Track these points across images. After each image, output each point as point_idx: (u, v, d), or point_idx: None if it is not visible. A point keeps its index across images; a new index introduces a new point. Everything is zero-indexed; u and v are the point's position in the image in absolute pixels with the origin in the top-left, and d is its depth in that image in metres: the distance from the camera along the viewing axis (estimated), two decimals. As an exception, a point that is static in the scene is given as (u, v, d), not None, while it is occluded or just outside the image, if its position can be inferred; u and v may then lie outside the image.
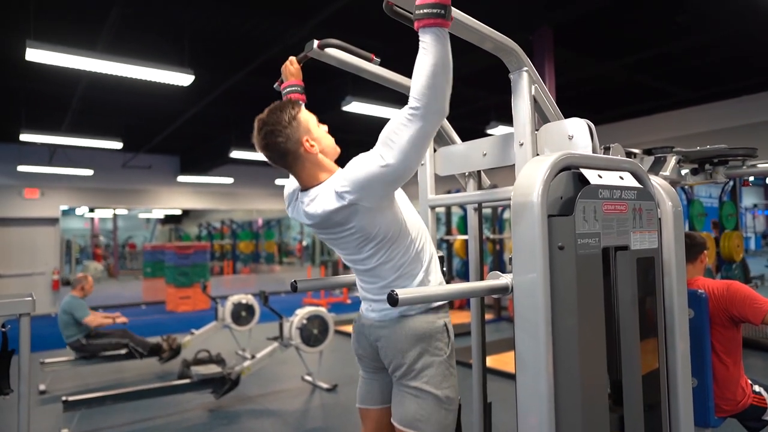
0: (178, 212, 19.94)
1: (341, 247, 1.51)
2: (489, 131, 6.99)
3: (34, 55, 3.48)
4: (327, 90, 5.66)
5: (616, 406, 1.31)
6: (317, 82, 5.64)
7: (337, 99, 5.40)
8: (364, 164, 1.33)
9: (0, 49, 4.62)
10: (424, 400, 1.43)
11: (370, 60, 1.72)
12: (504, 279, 1.35)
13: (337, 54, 1.70)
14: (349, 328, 4.46)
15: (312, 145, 1.45)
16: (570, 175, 1.32)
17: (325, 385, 4.33)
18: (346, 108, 5.38)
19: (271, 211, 16.50)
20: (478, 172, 1.84)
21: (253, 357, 4.32)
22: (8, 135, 7.75)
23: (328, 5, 3.67)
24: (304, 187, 1.49)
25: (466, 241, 8.68)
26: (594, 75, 5.98)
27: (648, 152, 2.14)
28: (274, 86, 1.89)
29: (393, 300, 1.17)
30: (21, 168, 8.77)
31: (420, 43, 1.26)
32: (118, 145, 7.16)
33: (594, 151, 1.44)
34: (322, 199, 1.41)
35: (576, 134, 1.47)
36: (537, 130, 1.57)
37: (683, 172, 2.35)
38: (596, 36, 4.91)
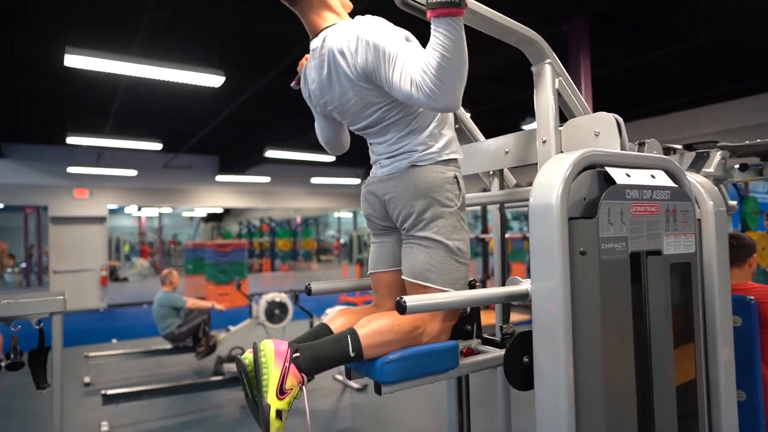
0: (220, 211, 20.48)
1: (346, 111, 1.45)
2: (525, 128, 6.81)
3: (73, 60, 3.61)
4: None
5: (647, 420, 1.22)
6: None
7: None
8: (390, 41, 1.26)
9: (42, 57, 4.84)
10: (434, 249, 1.36)
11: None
12: (524, 285, 1.27)
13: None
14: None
15: None
16: (595, 174, 1.23)
17: (355, 385, 4.31)
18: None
19: (308, 209, 16.69)
20: (501, 170, 1.76)
21: (284, 355, 4.35)
22: (57, 138, 8.12)
23: (358, 2, 3.62)
24: (313, 31, 1.44)
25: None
26: (631, 67, 5.70)
27: (689, 148, 2.00)
28: (291, 85, 1.86)
29: (401, 307, 1.12)
30: (70, 169, 9.18)
31: (431, 33, 1.19)
32: (158, 146, 7.38)
33: (623, 147, 1.33)
34: (333, 40, 1.35)
35: (603, 130, 1.37)
36: (561, 126, 1.47)
37: (730, 167, 2.18)
38: (633, 26, 4.66)
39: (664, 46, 5.10)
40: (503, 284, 1.79)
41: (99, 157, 9.41)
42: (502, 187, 1.77)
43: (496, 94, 6.62)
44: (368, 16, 1.34)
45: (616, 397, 1.15)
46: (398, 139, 1.41)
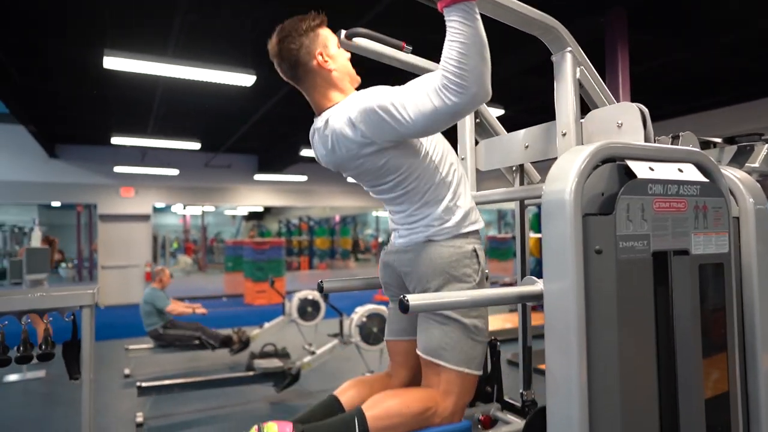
0: (260, 209, 20.91)
1: (363, 179, 1.43)
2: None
3: (111, 62, 3.74)
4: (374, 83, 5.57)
5: (671, 434, 1.13)
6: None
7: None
8: (384, 100, 1.21)
9: (82, 60, 5.05)
10: (450, 327, 1.32)
11: (400, 48, 1.62)
12: (539, 285, 1.19)
13: (366, 44, 1.61)
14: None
15: (326, 60, 1.36)
16: (615, 168, 1.15)
17: None
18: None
19: (346, 207, 16.80)
20: (521, 166, 1.68)
21: (313, 353, 4.37)
22: (103, 139, 8.47)
23: (373, 7, 3.60)
24: (318, 111, 1.42)
25: (539, 240, 8.29)
26: (675, 60, 5.40)
27: (730, 141, 1.85)
28: None
29: (403, 306, 1.07)
30: (117, 169, 9.57)
31: (447, 25, 1.14)
32: (196, 145, 7.59)
33: (647, 140, 1.24)
34: (335, 120, 1.33)
35: (626, 121, 1.28)
36: (583, 118, 1.39)
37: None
38: (677, 16, 4.41)
39: (713, 36, 4.81)
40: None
41: (143, 156, 9.76)
42: (522, 182, 1.69)
43: (536, 90, 6.42)
44: (367, 89, 1.31)
45: (636, 409, 1.06)
46: (414, 211, 1.38)
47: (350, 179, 1.51)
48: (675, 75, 5.96)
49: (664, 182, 1.14)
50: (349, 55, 1.46)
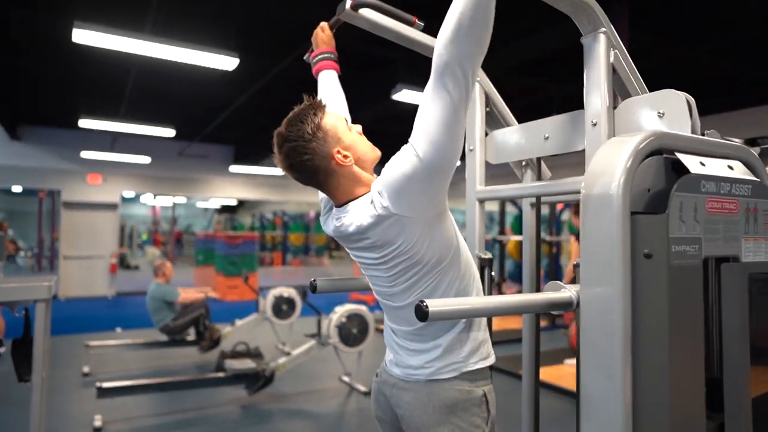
0: (234, 202, 20.44)
1: (372, 274, 1.25)
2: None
3: (81, 36, 3.46)
4: (375, 78, 5.42)
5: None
6: (364, 69, 5.41)
7: (387, 87, 5.15)
8: (398, 162, 1.07)
9: (50, 33, 4.72)
10: None
11: (411, 24, 1.46)
12: (567, 292, 1.05)
13: (374, 16, 1.45)
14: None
15: (346, 156, 1.18)
16: (660, 161, 1.01)
17: (363, 388, 4.12)
18: (397, 97, 5.13)
19: (321, 204, 16.52)
20: (538, 159, 1.54)
21: (288, 354, 4.18)
22: (70, 121, 8.04)
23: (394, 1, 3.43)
24: (339, 204, 1.23)
25: (519, 243, 8.26)
26: (676, 61, 5.37)
27: (751, 142, 1.75)
28: (304, 57, 1.67)
29: (422, 312, 0.92)
30: (84, 154, 9.12)
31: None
32: (171, 132, 7.26)
33: (694, 132, 1.11)
34: (358, 212, 1.15)
35: (668, 110, 1.15)
36: (615, 107, 1.26)
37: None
38: (679, 15, 4.37)
39: (715, 37, 4.76)
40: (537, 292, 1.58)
41: (113, 142, 9.33)
42: (538, 177, 1.55)
43: (526, 88, 6.35)
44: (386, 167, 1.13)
45: (683, 435, 0.93)
46: (421, 330, 1.20)
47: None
48: (678, 75, 5.92)
49: (717, 180, 1.01)
50: (360, 127, 1.26)
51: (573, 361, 4.95)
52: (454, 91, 0.99)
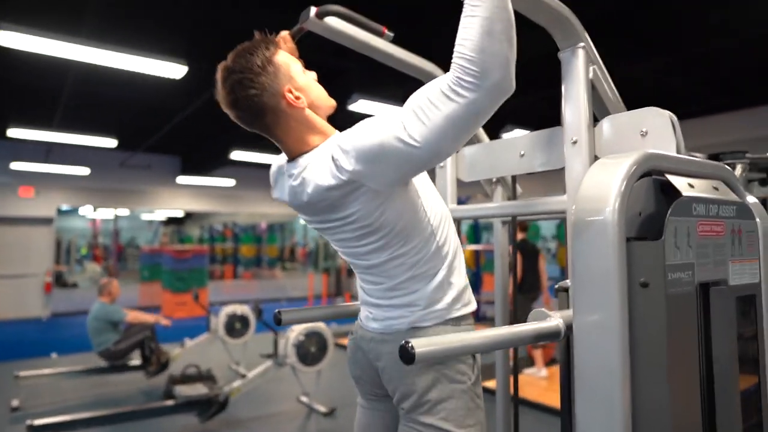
0: (181, 214, 19.67)
1: (337, 238, 1.15)
2: (504, 135, 6.63)
3: (8, 39, 3.16)
4: (330, 89, 5.31)
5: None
6: (318, 80, 5.29)
7: (342, 98, 5.06)
8: (377, 130, 0.96)
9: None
10: None
11: (381, 34, 1.38)
12: (553, 320, 0.99)
13: (340, 26, 1.35)
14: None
15: (297, 97, 1.08)
16: (650, 183, 0.97)
17: (322, 409, 3.96)
18: (353, 108, 5.05)
19: (274, 214, 16.18)
20: (513, 177, 1.49)
21: (243, 376, 3.97)
22: (-2, 131, 7.47)
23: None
24: (291, 156, 1.13)
25: (474, 252, 8.34)
26: (621, 78, 5.59)
27: (714, 158, 1.78)
28: None
29: (407, 355, 0.83)
30: (14, 165, 8.47)
31: (466, 0, 0.90)
32: (112, 143, 6.86)
33: (678, 151, 1.08)
34: (314, 169, 1.04)
35: (652, 129, 1.11)
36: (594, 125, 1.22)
37: (750, 182, 1.99)
38: (625, 35, 4.54)
39: (655, 56, 4.98)
40: (512, 315, 1.52)
41: (48, 153, 8.73)
42: (514, 196, 1.49)
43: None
44: (355, 126, 1.03)
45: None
46: (397, 285, 1.11)
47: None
48: (628, 90, 6.15)
49: (707, 202, 0.98)
50: (315, 75, 1.17)
51: (532, 370, 4.99)
52: (490, 98, 0.90)
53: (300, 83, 1.10)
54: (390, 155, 0.94)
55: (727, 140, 6.25)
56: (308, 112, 1.10)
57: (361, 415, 1.26)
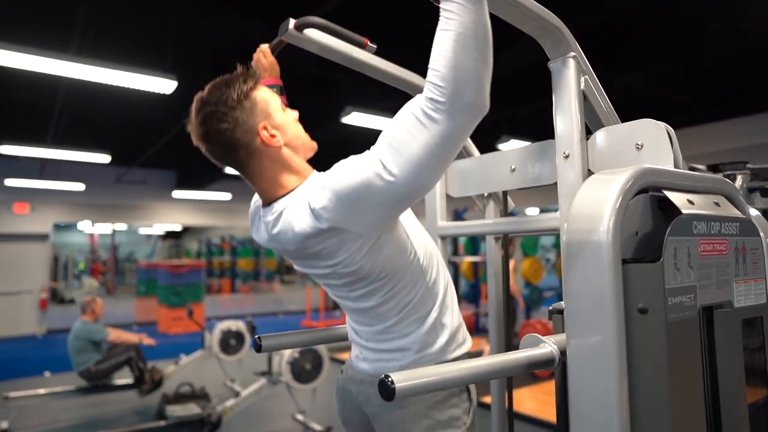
0: (178, 228, 19.59)
1: (325, 283, 1.09)
2: (500, 147, 6.58)
3: (-1, 57, 3.13)
4: (323, 102, 5.29)
5: None
6: (311, 92, 5.27)
7: (336, 111, 5.02)
8: (354, 170, 0.90)
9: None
10: None
11: (363, 46, 1.33)
12: (547, 346, 0.92)
13: (321, 38, 1.30)
14: (347, 356, 4.05)
15: (273, 135, 1.01)
16: (647, 200, 0.91)
17: (318, 427, 3.86)
18: (346, 120, 5.01)
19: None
20: (504, 193, 1.43)
21: (238, 394, 3.88)
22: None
23: (325, 4, 3.32)
24: (266, 201, 1.06)
25: (473, 263, 8.27)
26: (616, 88, 5.58)
27: (714, 168, 1.73)
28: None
29: (387, 391, 0.76)
30: (9, 182, 8.43)
31: (441, 12, 0.85)
32: (106, 158, 6.82)
33: (676, 166, 1.02)
34: (292, 215, 0.98)
35: (648, 143, 1.06)
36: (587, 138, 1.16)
37: (752, 192, 1.93)
38: (620, 44, 4.52)
39: (649, 66, 4.97)
40: (506, 339, 1.45)
41: (43, 169, 8.68)
42: (506, 212, 1.43)
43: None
44: (334, 166, 0.96)
45: None
46: (388, 329, 1.06)
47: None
48: (622, 99, 6.14)
49: (708, 219, 0.92)
50: (296, 114, 1.11)
51: (532, 384, 4.89)
52: (463, 119, 0.84)
53: (277, 121, 1.03)
54: (371, 195, 0.88)
55: (725, 149, 6.21)
56: (285, 150, 1.03)
57: None
